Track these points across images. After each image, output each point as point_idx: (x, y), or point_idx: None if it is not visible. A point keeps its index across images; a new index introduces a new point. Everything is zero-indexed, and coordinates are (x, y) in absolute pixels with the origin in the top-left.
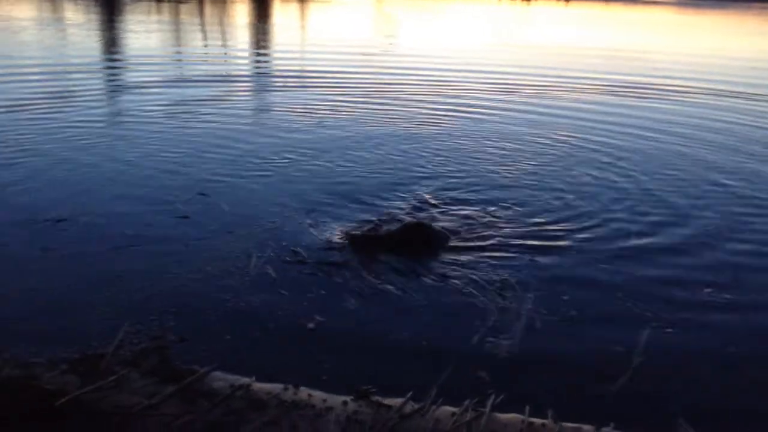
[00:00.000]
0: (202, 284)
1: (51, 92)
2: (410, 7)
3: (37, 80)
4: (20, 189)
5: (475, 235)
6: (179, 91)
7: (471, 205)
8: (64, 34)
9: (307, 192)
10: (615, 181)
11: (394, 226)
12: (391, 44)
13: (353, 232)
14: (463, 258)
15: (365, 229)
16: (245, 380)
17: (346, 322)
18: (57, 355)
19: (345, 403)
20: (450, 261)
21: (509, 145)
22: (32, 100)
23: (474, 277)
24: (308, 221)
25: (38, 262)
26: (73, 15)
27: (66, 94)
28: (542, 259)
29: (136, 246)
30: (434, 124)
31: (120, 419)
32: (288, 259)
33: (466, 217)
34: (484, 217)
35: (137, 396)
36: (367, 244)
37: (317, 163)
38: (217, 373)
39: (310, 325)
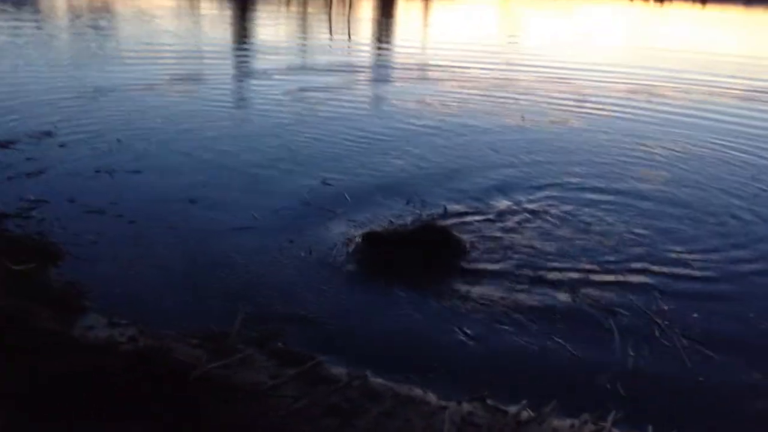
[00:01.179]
0: (307, 272)
1: (182, 75)
2: (538, 7)
3: (171, 64)
4: (154, 168)
5: (574, 242)
6: (303, 78)
7: (567, 206)
8: (198, 24)
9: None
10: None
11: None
12: (514, 42)
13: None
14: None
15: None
16: (362, 371)
17: (457, 328)
18: (186, 329)
19: (459, 403)
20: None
21: (633, 148)
22: (165, 83)
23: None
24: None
25: (166, 240)
26: (207, 8)
27: (196, 78)
28: (653, 281)
29: (256, 229)
30: (554, 121)
31: (246, 396)
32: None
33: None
34: (572, 220)
35: (261, 375)
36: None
37: (426, 156)
38: (335, 361)
39: (420, 325)
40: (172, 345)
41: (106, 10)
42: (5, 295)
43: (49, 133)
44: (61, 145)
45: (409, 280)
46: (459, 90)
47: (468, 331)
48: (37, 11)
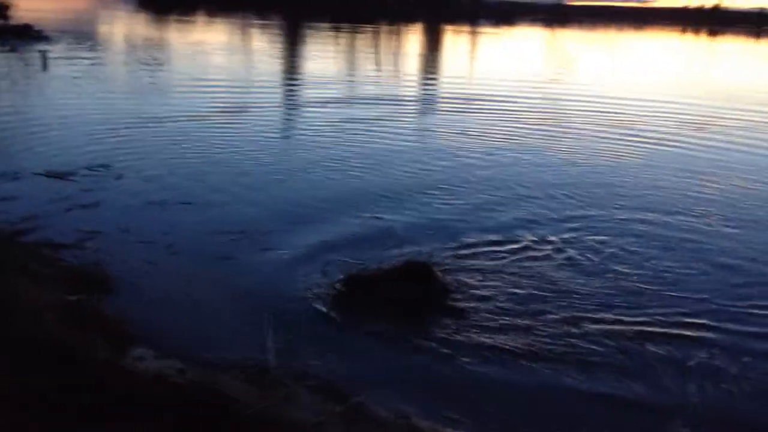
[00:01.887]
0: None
1: (233, 106)
2: (586, 40)
3: (222, 96)
4: (203, 201)
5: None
6: (349, 110)
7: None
8: (249, 58)
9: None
10: None
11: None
12: (562, 75)
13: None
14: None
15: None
16: (406, 410)
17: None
18: (232, 361)
19: None
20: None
21: (684, 182)
22: (216, 113)
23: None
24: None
25: (214, 272)
26: (258, 43)
27: (244, 108)
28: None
29: (303, 264)
30: (605, 155)
31: None
32: None
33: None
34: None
35: (306, 413)
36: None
37: (468, 189)
38: (378, 399)
39: (469, 367)
40: (219, 378)
41: (161, 44)
42: (60, 325)
43: (105, 166)
44: (117, 178)
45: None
46: (505, 123)
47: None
48: (95, 45)
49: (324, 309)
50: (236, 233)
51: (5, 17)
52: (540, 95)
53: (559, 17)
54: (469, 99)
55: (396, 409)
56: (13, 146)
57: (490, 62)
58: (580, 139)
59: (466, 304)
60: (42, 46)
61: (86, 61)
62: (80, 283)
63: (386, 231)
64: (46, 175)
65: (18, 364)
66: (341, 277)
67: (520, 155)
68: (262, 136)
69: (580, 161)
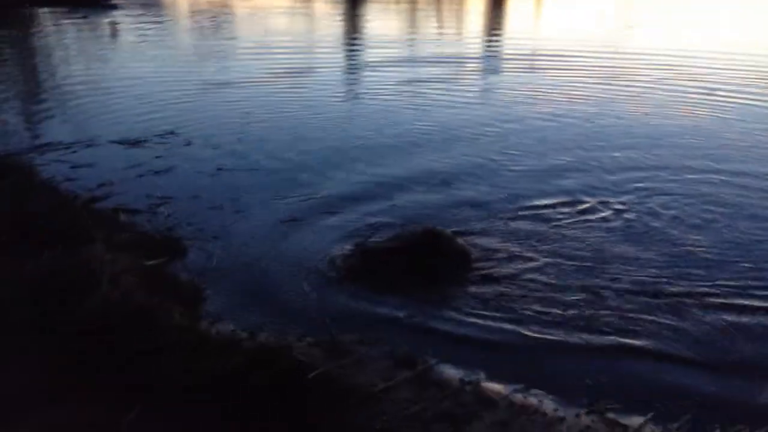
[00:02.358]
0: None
1: (293, 68)
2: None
3: (282, 58)
4: (270, 165)
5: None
6: (412, 71)
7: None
8: (311, 22)
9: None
10: None
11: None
12: (632, 31)
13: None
14: None
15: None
16: (475, 376)
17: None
18: (303, 326)
19: (578, 415)
20: None
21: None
22: (279, 76)
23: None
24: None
25: (283, 236)
26: (320, 6)
27: (306, 71)
28: None
29: (372, 226)
30: (677, 112)
31: (360, 397)
32: None
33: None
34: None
35: (375, 377)
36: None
37: (532, 148)
38: (447, 365)
39: (532, 333)
40: (290, 342)
41: (225, 10)
42: (138, 290)
43: (174, 132)
44: (186, 144)
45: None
46: (573, 81)
47: (577, 341)
48: (162, 13)
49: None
50: (302, 198)
51: None
52: (609, 52)
53: None
54: (535, 58)
55: (465, 375)
56: (87, 114)
57: (557, 19)
58: (651, 96)
59: (497, 271)
60: (112, 15)
61: (154, 29)
62: (155, 248)
63: (451, 197)
64: (120, 143)
65: (100, 330)
66: (353, 249)
67: (587, 114)
68: (325, 100)
69: (651, 120)
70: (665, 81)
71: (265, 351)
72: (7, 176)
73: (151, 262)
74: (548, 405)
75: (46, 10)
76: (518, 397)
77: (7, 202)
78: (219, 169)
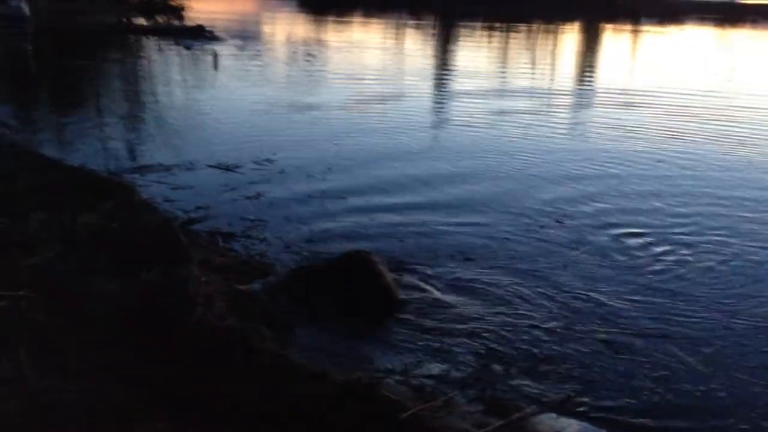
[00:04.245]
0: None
1: (384, 95)
2: (761, 40)
3: (375, 87)
4: (360, 192)
5: None
6: (501, 102)
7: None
8: (401, 54)
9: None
10: None
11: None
12: (732, 75)
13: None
14: None
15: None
16: (572, 429)
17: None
18: (389, 363)
19: None
20: None
21: None
22: (370, 103)
23: None
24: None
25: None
26: (412, 40)
27: (397, 98)
28: None
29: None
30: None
31: None
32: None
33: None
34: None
35: (465, 422)
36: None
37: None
38: (543, 416)
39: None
40: (375, 378)
41: (320, 43)
42: (231, 313)
43: (269, 159)
44: (279, 171)
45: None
46: (665, 120)
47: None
48: (260, 44)
49: None
50: (392, 225)
51: (180, 18)
52: (706, 94)
53: (731, 16)
54: (622, 96)
55: (562, 425)
56: (187, 139)
57: (652, 60)
58: (747, 141)
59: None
60: (213, 46)
61: (252, 60)
62: (248, 272)
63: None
64: (217, 167)
65: (194, 351)
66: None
67: (675, 154)
68: (414, 127)
69: (737, 168)
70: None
71: (355, 385)
72: (111, 196)
73: (244, 287)
74: None
75: (151, 38)
76: None
77: (110, 222)
78: (309, 196)
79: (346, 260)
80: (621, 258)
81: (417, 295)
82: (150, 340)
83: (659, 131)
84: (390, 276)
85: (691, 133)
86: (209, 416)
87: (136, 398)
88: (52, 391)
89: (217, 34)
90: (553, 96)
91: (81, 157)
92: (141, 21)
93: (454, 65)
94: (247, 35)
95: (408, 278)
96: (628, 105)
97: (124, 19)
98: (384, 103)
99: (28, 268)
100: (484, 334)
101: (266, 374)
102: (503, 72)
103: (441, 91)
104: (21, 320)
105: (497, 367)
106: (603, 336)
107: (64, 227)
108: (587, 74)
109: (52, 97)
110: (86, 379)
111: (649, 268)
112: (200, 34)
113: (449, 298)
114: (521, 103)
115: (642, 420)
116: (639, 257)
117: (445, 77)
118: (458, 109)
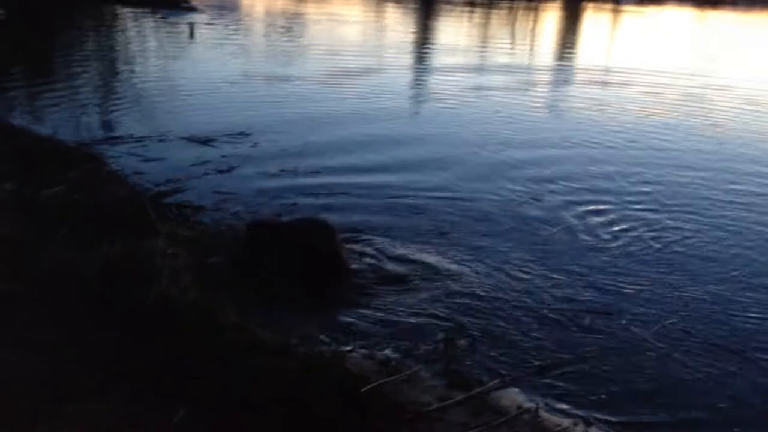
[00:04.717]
0: (482, 284)
1: (362, 69)
2: (740, 23)
3: (353, 59)
4: (334, 169)
5: None
6: (477, 78)
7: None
8: (382, 28)
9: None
10: None
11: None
12: (710, 56)
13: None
14: None
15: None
16: (532, 404)
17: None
18: (354, 339)
19: None
20: None
21: None
22: (347, 76)
23: None
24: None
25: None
26: (391, 15)
27: (375, 72)
28: None
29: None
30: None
31: (412, 416)
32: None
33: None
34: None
35: (428, 395)
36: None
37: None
38: (504, 390)
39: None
40: (339, 352)
41: (299, 16)
42: (196, 287)
43: (243, 133)
44: (253, 145)
45: None
46: (642, 99)
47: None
48: (238, 16)
49: None
50: (368, 198)
51: None
52: (683, 76)
53: None
54: (606, 73)
55: (523, 401)
56: (161, 110)
57: (628, 40)
58: (722, 123)
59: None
60: (190, 17)
61: (229, 31)
62: (215, 245)
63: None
64: (190, 140)
65: (156, 325)
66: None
67: (648, 133)
68: (391, 102)
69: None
70: (740, 109)
71: (318, 359)
72: (81, 166)
73: (209, 260)
74: None
75: (127, 9)
76: (578, 429)
77: (78, 192)
78: (282, 171)
79: (305, 228)
80: (586, 237)
81: (380, 266)
82: (111, 314)
83: (636, 110)
84: (346, 247)
85: (666, 113)
86: (167, 392)
87: (94, 373)
88: (6, 363)
89: (195, 5)
90: (533, 73)
91: (51, 127)
92: None
93: (434, 41)
94: (225, 6)
95: (371, 249)
96: (607, 83)
97: None
98: (361, 77)
99: None
100: (447, 309)
101: (228, 349)
102: (483, 48)
103: (420, 66)
104: None
105: (461, 342)
106: (566, 313)
107: (28, 197)
108: (567, 52)
109: (24, 66)
110: (43, 352)
111: (612, 246)
112: (177, 5)
113: (415, 271)
114: (500, 79)
115: (602, 394)
116: (602, 236)
117: (425, 52)
118: (435, 84)
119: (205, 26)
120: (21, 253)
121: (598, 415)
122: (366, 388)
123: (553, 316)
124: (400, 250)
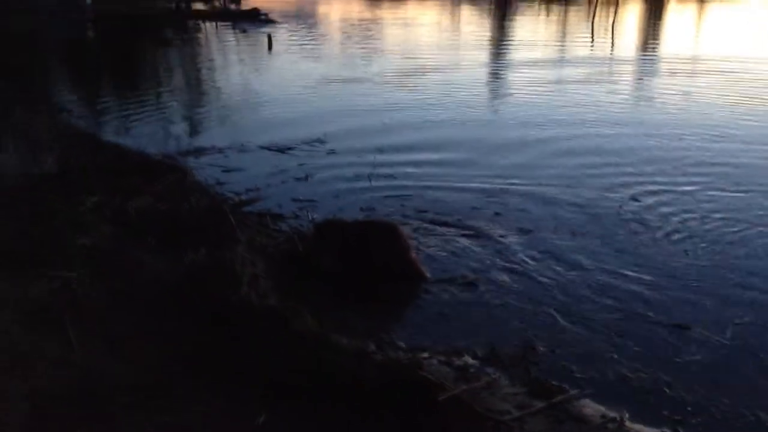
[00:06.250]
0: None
1: (439, 67)
2: None
3: (426, 58)
4: (405, 174)
5: None
6: (561, 71)
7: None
8: (457, 27)
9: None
10: None
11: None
12: None
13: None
14: None
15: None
16: (617, 414)
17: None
18: (435, 346)
19: None
20: None
21: None
22: (420, 74)
23: None
24: None
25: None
26: (468, 15)
27: (453, 70)
28: None
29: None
30: None
31: (492, 424)
32: None
33: None
34: None
35: (507, 403)
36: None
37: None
38: (586, 399)
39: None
40: (418, 359)
41: (375, 23)
42: (273, 293)
43: (320, 141)
44: (329, 152)
45: None
46: (733, 89)
47: None
48: (315, 26)
49: None
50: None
51: (237, 2)
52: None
53: None
54: (692, 63)
55: (607, 411)
56: (241, 121)
57: (714, 31)
58: None
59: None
60: (268, 28)
61: (305, 41)
62: (292, 251)
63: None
64: (269, 149)
65: (237, 330)
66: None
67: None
68: (468, 99)
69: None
70: None
71: (395, 366)
72: (165, 178)
73: (287, 266)
74: None
75: (208, 22)
76: None
77: (164, 203)
78: (357, 176)
79: (374, 230)
80: (676, 237)
81: (454, 269)
82: (195, 318)
83: (725, 100)
84: (420, 250)
85: (757, 103)
86: (249, 395)
87: (179, 374)
88: (100, 366)
89: (272, 17)
90: (616, 64)
91: (136, 140)
92: (198, 5)
93: (512, 37)
94: (301, 16)
95: (446, 252)
96: (693, 73)
97: (182, 4)
98: (437, 75)
99: (80, 248)
100: (524, 314)
101: (307, 354)
102: (563, 43)
103: (498, 62)
104: (72, 299)
105: (541, 348)
106: (649, 319)
107: (116, 208)
108: (651, 43)
109: (111, 82)
110: (133, 356)
111: (700, 248)
112: (256, 18)
113: (491, 273)
114: (581, 72)
115: (688, 407)
116: (692, 237)
117: (503, 49)
118: (516, 79)
119: (282, 37)
120: (110, 260)
121: (685, 427)
122: (444, 396)
123: (636, 322)
124: (477, 252)
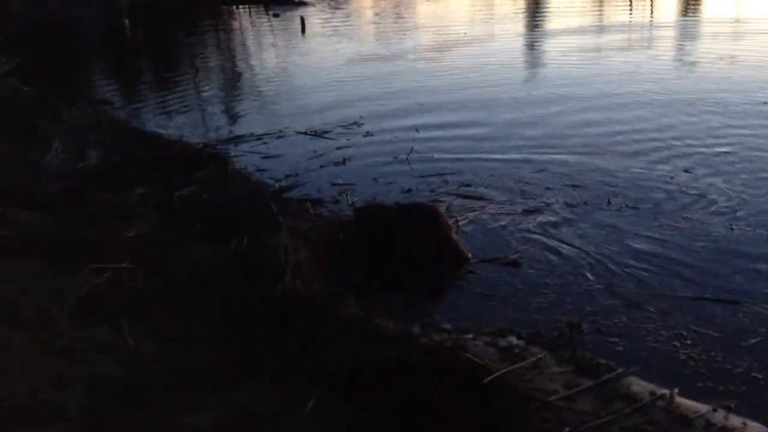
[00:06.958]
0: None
1: (469, 40)
2: None
3: (460, 31)
4: (444, 158)
5: None
6: (599, 38)
7: None
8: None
9: None
10: None
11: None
12: None
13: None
14: None
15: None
16: (666, 390)
17: None
18: (479, 325)
19: None
20: None
21: None
22: (454, 47)
23: None
24: None
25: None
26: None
27: (486, 40)
28: None
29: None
30: None
31: (538, 405)
32: None
33: None
34: None
35: (554, 384)
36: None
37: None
38: (634, 377)
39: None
40: (465, 342)
41: (408, 8)
42: (317, 280)
43: (356, 123)
44: (365, 135)
45: None
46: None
47: None
48: (348, 9)
49: None
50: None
51: None
52: None
53: None
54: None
55: (656, 388)
56: (278, 107)
57: None
58: None
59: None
60: (300, 11)
61: (338, 22)
62: (334, 236)
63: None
64: (306, 134)
65: (283, 317)
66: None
67: None
68: (504, 75)
69: None
70: None
71: (440, 349)
72: (206, 167)
73: (329, 251)
74: (753, 429)
75: (241, 7)
76: (718, 417)
77: (206, 192)
78: (395, 159)
79: (414, 213)
80: (723, 211)
81: (496, 250)
82: (241, 307)
83: None
84: (461, 231)
85: None
86: (300, 380)
87: (231, 363)
88: (151, 356)
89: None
90: (656, 29)
91: (176, 130)
92: None
93: (548, 5)
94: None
95: (487, 231)
96: (737, 35)
97: None
98: (474, 48)
99: (129, 240)
100: (568, 292)
101: (352, 339)
102: (600, 9)
103: (534, 31)
104: (123, 290)
105: (586, 327)
106: (706, 295)
107: (161, 199)
108: (692, 5)
109: (149, 71)
110: (183, 345)
111: (746, 224)
112: (288, 1)
113: (533, 253)
114: (620, 38)
115: (740, 383)
116: (738, 213)
117: (538, 18)
118: (553, 48)
119: (314, 19)
120: (158, 250)
121: (737, 402)
122: (490, 378)
123: (682, 298)
124: (519, 229)
